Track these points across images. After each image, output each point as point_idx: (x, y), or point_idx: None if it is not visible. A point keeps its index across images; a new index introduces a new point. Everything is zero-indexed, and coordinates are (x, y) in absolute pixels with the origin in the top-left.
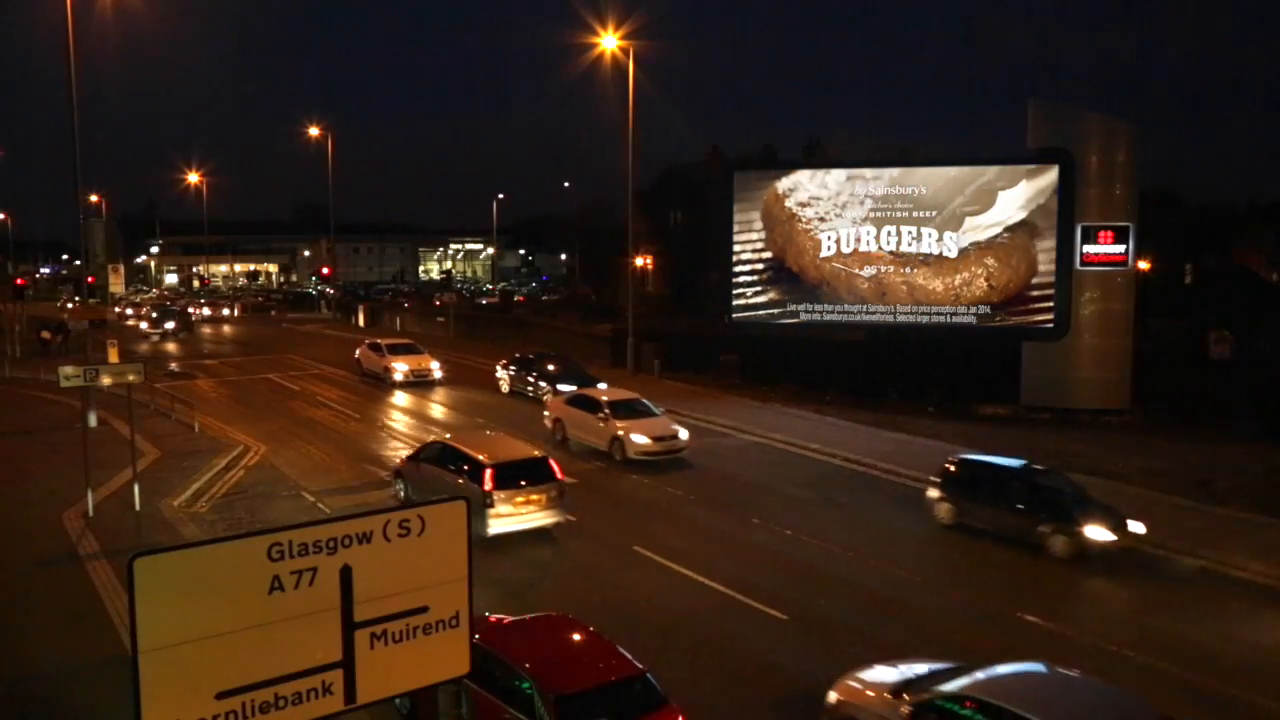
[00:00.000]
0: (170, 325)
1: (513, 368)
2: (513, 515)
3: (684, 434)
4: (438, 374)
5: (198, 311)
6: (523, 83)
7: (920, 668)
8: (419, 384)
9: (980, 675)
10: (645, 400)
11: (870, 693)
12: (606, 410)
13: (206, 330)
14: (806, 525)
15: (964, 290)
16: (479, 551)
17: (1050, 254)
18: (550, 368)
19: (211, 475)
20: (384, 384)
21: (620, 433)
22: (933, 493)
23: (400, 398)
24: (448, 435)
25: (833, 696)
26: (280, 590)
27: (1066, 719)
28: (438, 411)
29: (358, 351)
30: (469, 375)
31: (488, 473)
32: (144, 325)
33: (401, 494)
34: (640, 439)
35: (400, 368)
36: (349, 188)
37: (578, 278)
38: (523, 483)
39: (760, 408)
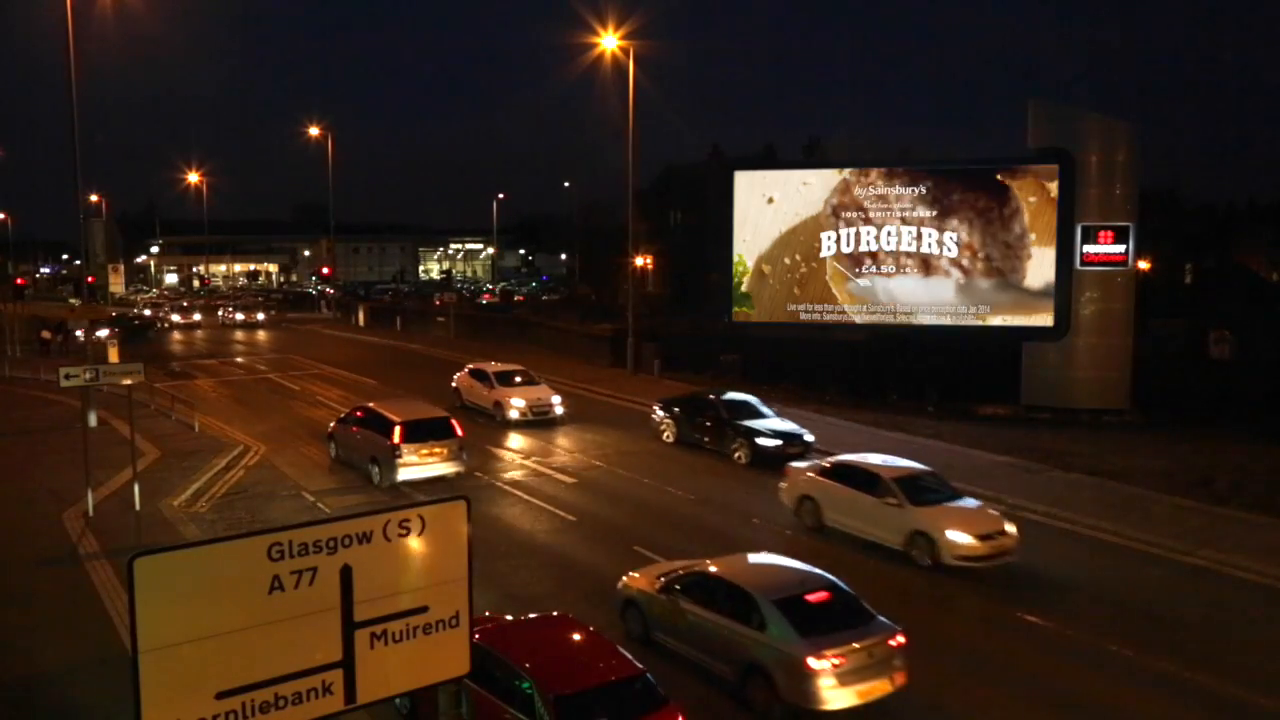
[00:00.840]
0: (103, 334)
1: (677, 409)
2: (418, 464)
3: (1010, 526)
4: (559, 409)
5: (230, 315)
6: (523, 83)
7: (685, 562)
8: (538, 423)
9: (718, 560)
10: (936, 473)
11: (641, 579)
12: (898, 492)
13: (239, 335)
14: None
15: (963, 290)
16: None
17: (1050, 254)
18: (730, 412)
19: (211, 475)
20: (494, 421)
21: (927, 528)
22: None
23: (515, 440)
24: (371, 403)
25: (620, 583)
26: (280, 590)
27: (758, 582)
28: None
29: (456, 379)
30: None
31: (397, 429)
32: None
33: (332, 453)
34: (962, 538)
35: (516, 403)
36: (349, 188)
37: (578, 278)
38: (428, 438)
39: None
